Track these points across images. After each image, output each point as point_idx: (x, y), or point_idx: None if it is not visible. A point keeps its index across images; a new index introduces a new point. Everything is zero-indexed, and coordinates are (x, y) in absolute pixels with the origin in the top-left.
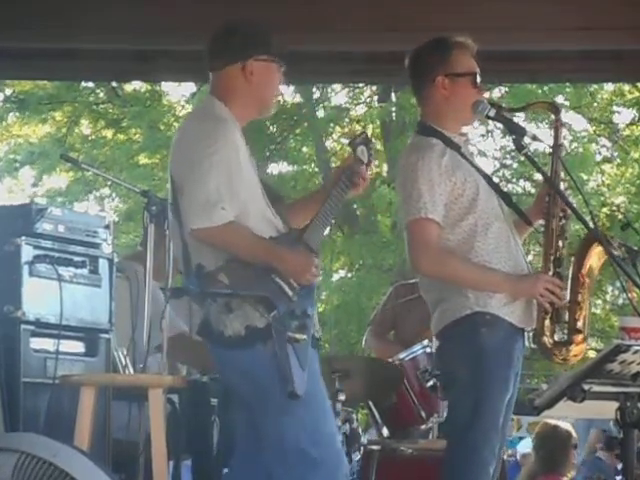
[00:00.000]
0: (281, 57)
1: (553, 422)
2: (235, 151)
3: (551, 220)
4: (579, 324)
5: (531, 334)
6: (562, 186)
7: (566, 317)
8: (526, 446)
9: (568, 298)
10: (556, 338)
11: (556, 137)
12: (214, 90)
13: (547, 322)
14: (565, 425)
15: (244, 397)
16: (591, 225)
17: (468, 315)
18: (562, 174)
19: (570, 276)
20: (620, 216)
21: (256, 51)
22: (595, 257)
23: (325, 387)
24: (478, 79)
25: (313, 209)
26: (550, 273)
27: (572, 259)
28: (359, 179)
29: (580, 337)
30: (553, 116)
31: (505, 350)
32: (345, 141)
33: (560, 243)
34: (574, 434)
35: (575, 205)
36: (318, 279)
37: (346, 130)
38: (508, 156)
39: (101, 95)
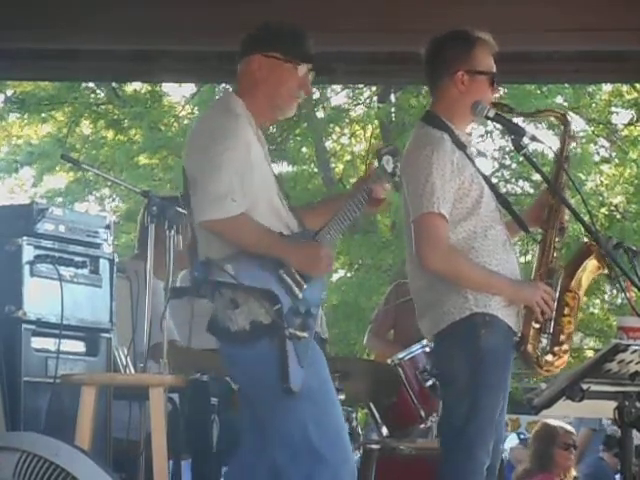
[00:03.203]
0: (306, 61)
1: (548, 421)
2: (246, 147)
3: (549, 231)
4: (562, 337)
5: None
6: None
7: (551, 329)
8: (511, 442)
9: (555, 310)
10: (540, 348)
11: (562, 149)
12: (236, 85)
13: (533, 331)
14: (558, 424)
15: (249, 394)
16: (592, 228)
17: (468, 317)
18: (565, 185)
19: (559, 288)
20: (618, 216)
21: (262, 48)
22: (587, 271)
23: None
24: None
25: (328, 215)
26: None
27: (562, 272)
28: (376, 197)
29: (563, 349)
30: (563, 127)
31: (503, 351)
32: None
33: (555, 254)
34: (567, 434)
35: (574, 206)
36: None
37: (372, 142)
38: (507, 157)
39: (101, 96)
